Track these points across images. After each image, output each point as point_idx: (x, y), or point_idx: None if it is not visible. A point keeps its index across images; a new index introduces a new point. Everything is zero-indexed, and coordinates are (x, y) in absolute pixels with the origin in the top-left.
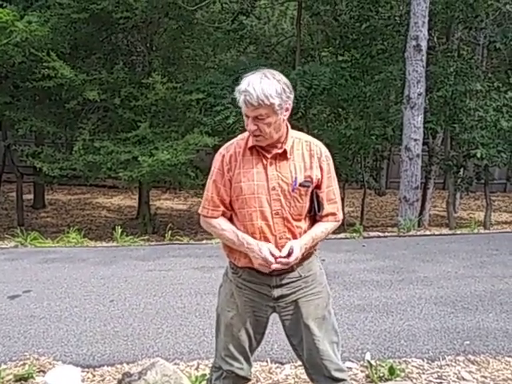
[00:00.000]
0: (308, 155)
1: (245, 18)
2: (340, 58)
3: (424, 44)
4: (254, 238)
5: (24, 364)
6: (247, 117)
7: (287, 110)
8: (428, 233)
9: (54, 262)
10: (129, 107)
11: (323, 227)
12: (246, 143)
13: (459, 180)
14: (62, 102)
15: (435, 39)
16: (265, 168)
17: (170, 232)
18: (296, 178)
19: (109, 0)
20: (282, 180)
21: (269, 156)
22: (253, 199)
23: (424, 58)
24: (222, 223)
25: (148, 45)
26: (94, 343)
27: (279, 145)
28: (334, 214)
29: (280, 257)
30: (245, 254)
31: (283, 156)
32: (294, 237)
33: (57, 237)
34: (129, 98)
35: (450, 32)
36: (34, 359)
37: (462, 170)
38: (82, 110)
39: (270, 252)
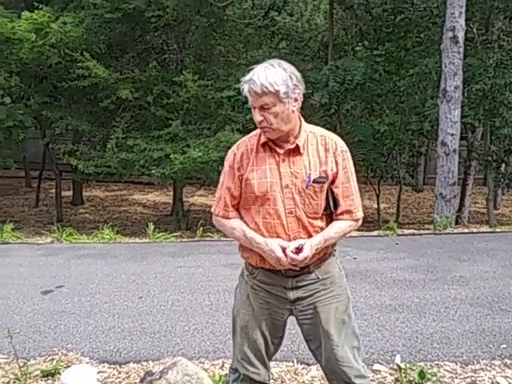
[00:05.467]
0: (323, 149)
1: (276, 14)
2: (374, 52)
3: (461, 35)
4: (268, 236)
5: (52, 359)
6: (254, 108)
7: (296, 100)
8: (465, 230)
9: (86, 258)
10: (161, 105)
11: (337, 227)
12: (259, 140)
13: (500, 176)
14: (96, 101)
15: (474, 30)
16: (277, 165)
17: (201, 228)
18: (310, 174)
19: None
20: (296, 177)
21: (281, 152)
22: (266, 197)
23: (461, 49)
24: (233, 222)
25: (180, 43)
26: (121, 339)
27: (292, 139)
28: (350, 212)
29: (289, 251)
30: (258, 253)
31: (296, 151)
32: (310, 236)
33: (94, 233)
34: (161, 95)
35: (489, 22)
36: (62, 355)
37: (503, 165)
38: (118, 109)
39: (281, 246)
